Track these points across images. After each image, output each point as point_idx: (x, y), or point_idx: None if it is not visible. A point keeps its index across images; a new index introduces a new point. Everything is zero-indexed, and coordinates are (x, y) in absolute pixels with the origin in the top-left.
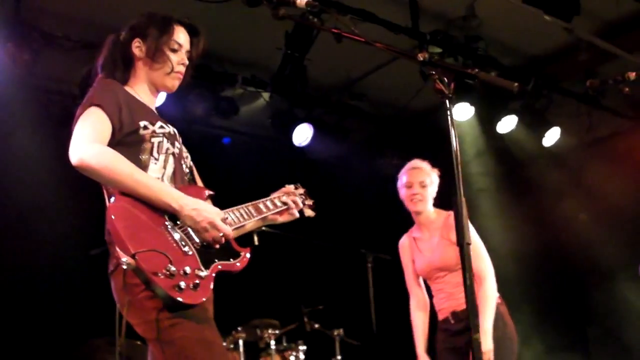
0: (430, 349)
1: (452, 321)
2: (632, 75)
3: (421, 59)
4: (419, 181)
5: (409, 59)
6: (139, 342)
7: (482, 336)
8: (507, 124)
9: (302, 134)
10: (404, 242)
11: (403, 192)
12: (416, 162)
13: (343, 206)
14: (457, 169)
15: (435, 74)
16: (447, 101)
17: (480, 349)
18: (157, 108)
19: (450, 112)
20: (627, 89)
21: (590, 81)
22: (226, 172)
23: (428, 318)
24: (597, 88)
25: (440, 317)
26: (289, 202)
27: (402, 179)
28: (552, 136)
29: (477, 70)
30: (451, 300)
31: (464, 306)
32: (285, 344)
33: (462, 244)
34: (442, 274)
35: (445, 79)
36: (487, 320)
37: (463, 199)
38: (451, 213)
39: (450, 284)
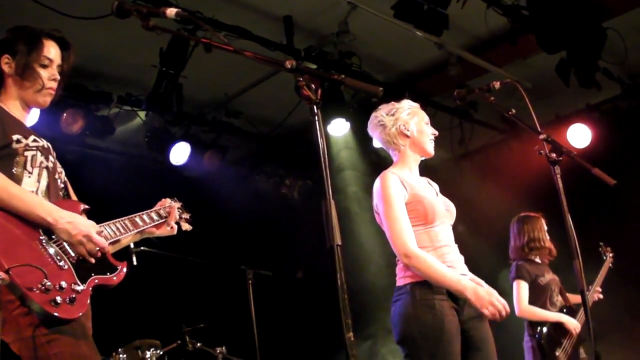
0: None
1: None
2: (497, 84)
3: (288, 66)
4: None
5: (277, 66)
6: None
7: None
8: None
9: (179, 153)
10: (394, 176)
11: (424, 130)
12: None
13: (222, 223)
14: (325, 171)
15: (302, 81)
16: (314, 107)
17: None
18: (31, 127)
19: (318, 117)
20: (492, 98)
21: (458, 90)
22: (102, 190)
23: None
24: (464, 97)
25: None
26: (165, 215)
27: (419, 116)
28: None
29: (342, 76)
30: (457, 259)
31: (465, 272)
32: None
33: (333, 245)
34: (447, 222)
35: (313, 85)
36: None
37: (332, 201)
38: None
39: (450, 240)
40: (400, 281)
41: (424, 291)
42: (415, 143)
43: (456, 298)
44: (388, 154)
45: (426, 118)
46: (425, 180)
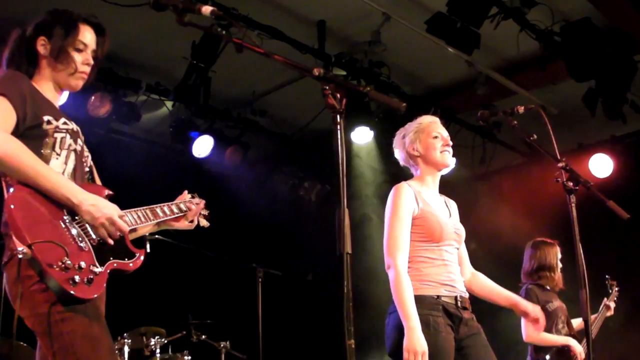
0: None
1: (459, 305)
2: (521, 109)
3: (316, 73)
4: (447, 135)
5: (304, 72)
6: (24, 344)
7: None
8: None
9: (202, 146)
10: (408, 189)
11: (430, 144)
12: (433, 117)
13: (237, 220)
14: (342, 180)
15: (328, 89)
16: (337, 116)
17: None
18: (59, 106)
19: (341, 126)
20: (515, 122)
21: (482, 112)
22: (122, 174)
23: None
24: (487, 118)
25: (436, 292)
26: (185, 209)
27: (427, 131)
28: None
29: (368, 88)
30: (457, 279)
31: (464, 292)
32: (170, 353)
33: (343, 253)
34: (454, 244)
35: (338, 95)
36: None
37: (346, 210)
38: (447, 197)
39: (456, 260)
40: None
41: (419, 306)
42: (426, 160)
43: (452, 315)
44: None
45: (434, 131)
46: (442, 199)
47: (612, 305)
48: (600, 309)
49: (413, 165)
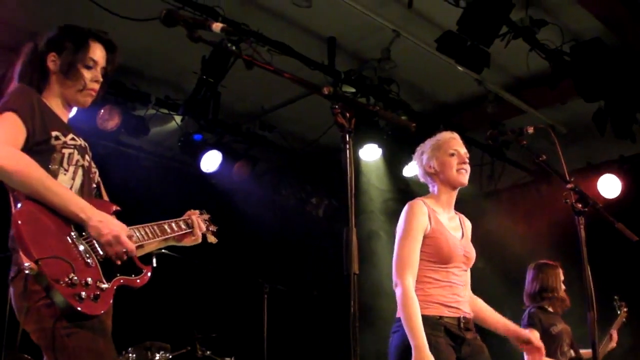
0: None
1: (462, 325)
2: (531, 129)
3: (326, 92)
4: (464, 151)
5: (314, 91)
6: (28, 357)
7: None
8: (413, 169)
9: (210, 160)
10: (423, 207)
11: (446, 162)
12: (453, 133)
13: (244, 235)
14: (350, 199)
15: (337, 108)
16: (347, 135)
17: None
18: (68, 119)
19: (349, 145)
20: (524, 142)
21: (491, 132)
22: (129, 187)
23: None
24: (496, 137)
25: (439, 312)
26: (194, 226)
27: (444, 148)
28: None
29: (377, 107)
30: (462, 301)
31: (469, 313)
32: None
33: (351, 273)
34: (463, 267)
35: (347, 113)
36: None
37: (354, 229)
38: (463, 216)
39: (463, 282)
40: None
41: None
42: (442, 178)
43: (454, 336)
44: (419, 184)
45: (452, 148)
46: (458, 218)
47: (615, 336)
48: (604, 339)
49: (430, 182)
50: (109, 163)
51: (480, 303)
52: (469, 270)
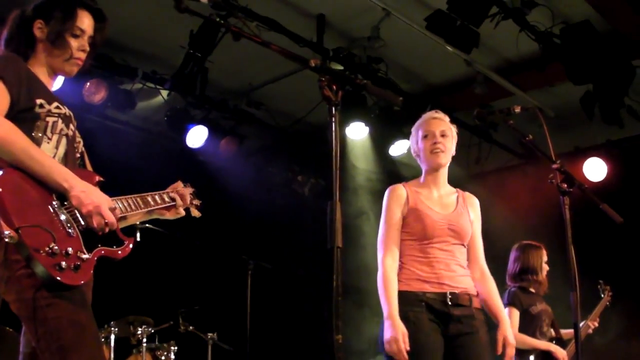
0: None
1: (449, 302)
2: (518, 109)
3: (312, 64)
4: (440, 130)
5: (301, 63)
6: (9, 329)
7: (506, 330)
8: (399, 148)
9: (197, 136)
10: (400, 190)
11: (421, 145)
12: (434, 113)
13: (229, 211)
14: (335, 173)
15: (324, 81)
16: (333, 108)
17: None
18: (54, 92)
19: (336, 118)
20: (511, 122)
21: (478, 110)
22: (115, 161)
23: None
24: (484, 117)
25: (421, 288)
26: (177, 198)
27: (419, 130)
28: None
29: (365, 81)
30: (449, 276)
31: (463, 288)
32: (157, 343)
33: (334, 246)
34: (451, 241)
35: (334, 86)
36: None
37: (338, 203)
38: (468, 193)
39: (454, 257)
40: None
41: (401, 303)
42: (422, 159)
43: (437, 312)
44: (404, 163)
45: (424, 130)
46: (456, 195)
47: (592, 325)
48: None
49: (419, 162)
50: (95, 137)
51: (486, 286)
52: (474, 245)
